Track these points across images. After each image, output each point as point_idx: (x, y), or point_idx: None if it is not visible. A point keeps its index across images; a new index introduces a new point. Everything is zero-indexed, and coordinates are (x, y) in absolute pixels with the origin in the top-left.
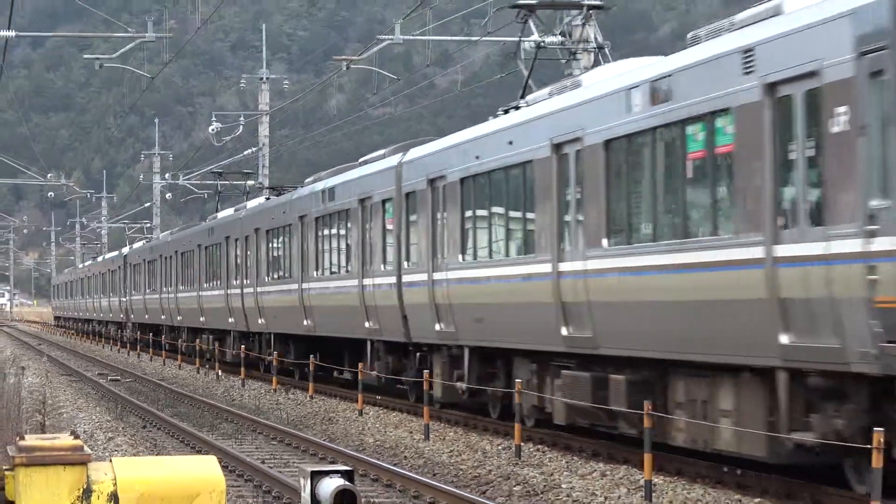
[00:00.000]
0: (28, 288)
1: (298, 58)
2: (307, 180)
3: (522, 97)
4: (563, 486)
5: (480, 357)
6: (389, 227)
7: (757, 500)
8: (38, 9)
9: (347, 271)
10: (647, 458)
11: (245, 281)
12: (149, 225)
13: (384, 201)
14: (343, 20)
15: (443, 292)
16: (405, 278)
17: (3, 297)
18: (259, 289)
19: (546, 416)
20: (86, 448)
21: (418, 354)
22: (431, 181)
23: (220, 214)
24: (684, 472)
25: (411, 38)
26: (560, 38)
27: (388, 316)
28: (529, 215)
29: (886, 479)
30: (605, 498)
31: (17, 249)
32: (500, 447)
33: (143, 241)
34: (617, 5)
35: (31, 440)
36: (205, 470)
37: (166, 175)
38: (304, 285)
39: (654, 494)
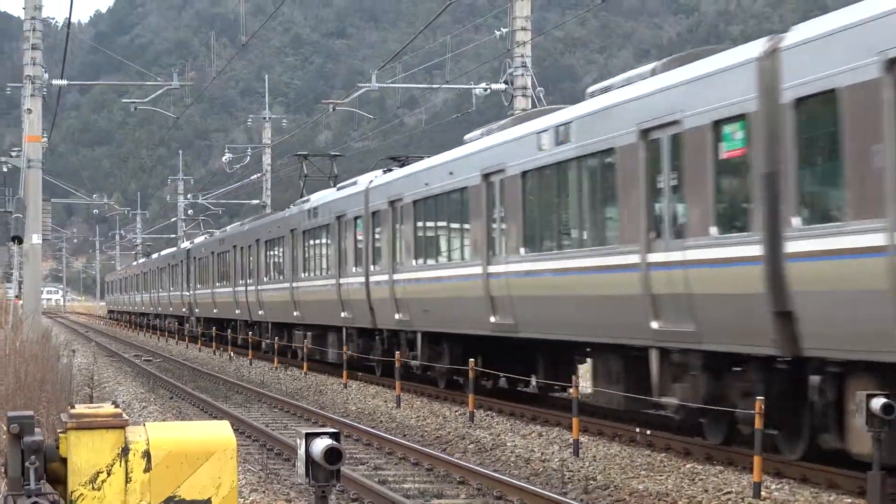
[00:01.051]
0: (77, 287)
1: (294, 101)
2: (470, 135)
3: None
4: (508, 444)
5: None
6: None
7: (662, 454)
8: (85, 62)
9: (620, 242)
10: (575, 421)
11: (372, 268)
12: (174, 236)
13: (685, 134)
14: (330, 71)
15: None
16: (794, 247)
17: (58, 293)
18: (397, 276)
19: None
20: (124, 415)
21: (820, 379)
22: (803, 101)
23: (314, 196)
24: (605, 432)
25: (385, 85)
26: (504, 85)
27: (723, 310)
28: None
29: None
30: (542, 454)
31: (68, 255)
32: (457, 413)
33: (205, 236)
34: (549, 61)
35: (80, 409)
36: (219, 432)
37: (188, 195)
38: (494, 269)
39: (580, 450)
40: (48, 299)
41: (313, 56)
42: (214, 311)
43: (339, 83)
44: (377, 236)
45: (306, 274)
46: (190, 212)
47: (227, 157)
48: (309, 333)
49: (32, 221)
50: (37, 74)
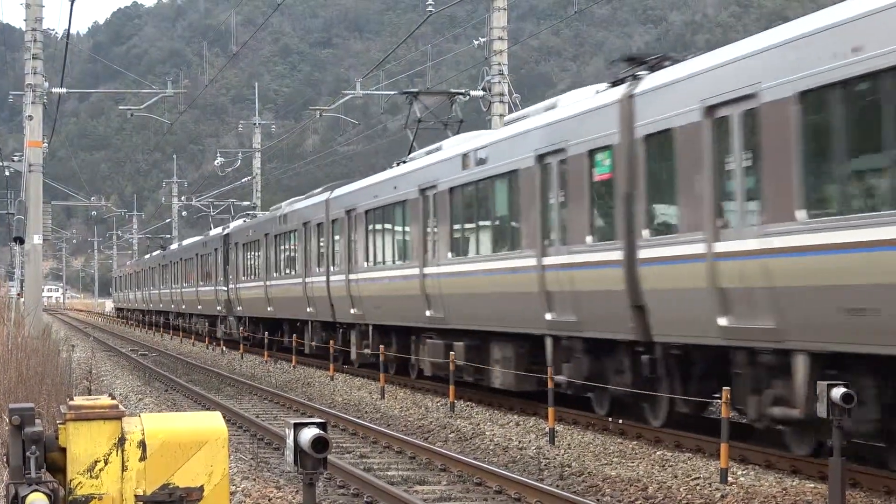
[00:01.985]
0: (76, 285)
1: (283, 108)
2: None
3: None
4: (487, 433)
5: None
6: None
7: (634, 442)
8: (84, 71)
9: None
10: (551, 411)
11: (645, 233)
12: (169, 236)
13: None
14: (317, 79)
15: None
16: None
17: (58, 291)
18: (722, 247)
19: None
20: (121, 406)
21: None
22: None
23: (451, 140)
24: (579, 421)
25: (369, 92)
26: (482, 91)
27: None
28: None
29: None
30: (519, 442)
31: (68, 255)
32: (438, 404)
33: (244, 219)
34: (525, 69)
35: (78, 400)
36: (212, 422)
37: (182, 198)
38: None
39: (556, 439)
40: (48, 297)
41: (301, 65)
42: (269, 309)
43: (326, 90)
44: (640, 178)
45: (454, 254)
46: (184, 213)
47: (219, 160)
48: (460, 343)
49: (33, 223)
50: (38, 83)
